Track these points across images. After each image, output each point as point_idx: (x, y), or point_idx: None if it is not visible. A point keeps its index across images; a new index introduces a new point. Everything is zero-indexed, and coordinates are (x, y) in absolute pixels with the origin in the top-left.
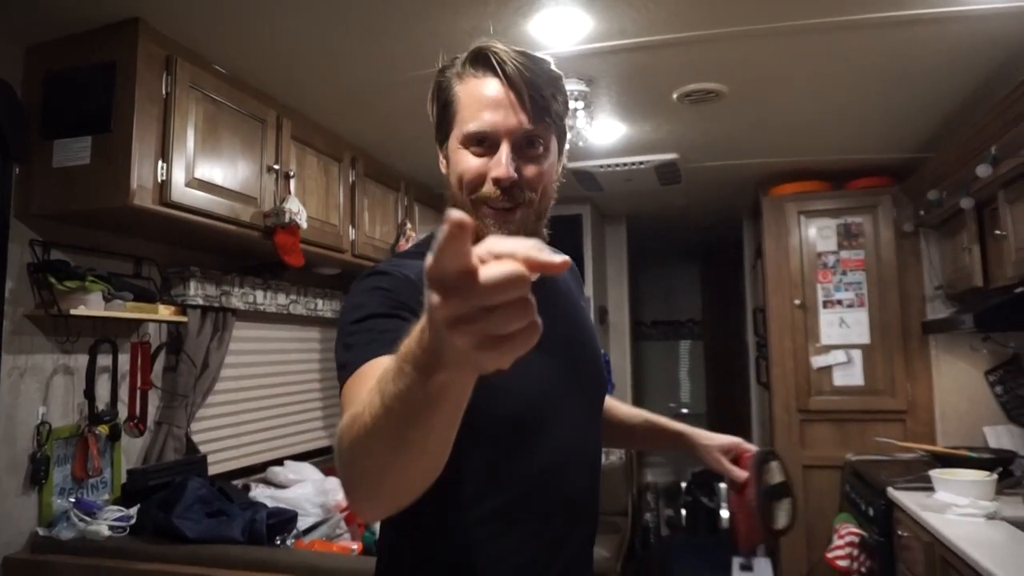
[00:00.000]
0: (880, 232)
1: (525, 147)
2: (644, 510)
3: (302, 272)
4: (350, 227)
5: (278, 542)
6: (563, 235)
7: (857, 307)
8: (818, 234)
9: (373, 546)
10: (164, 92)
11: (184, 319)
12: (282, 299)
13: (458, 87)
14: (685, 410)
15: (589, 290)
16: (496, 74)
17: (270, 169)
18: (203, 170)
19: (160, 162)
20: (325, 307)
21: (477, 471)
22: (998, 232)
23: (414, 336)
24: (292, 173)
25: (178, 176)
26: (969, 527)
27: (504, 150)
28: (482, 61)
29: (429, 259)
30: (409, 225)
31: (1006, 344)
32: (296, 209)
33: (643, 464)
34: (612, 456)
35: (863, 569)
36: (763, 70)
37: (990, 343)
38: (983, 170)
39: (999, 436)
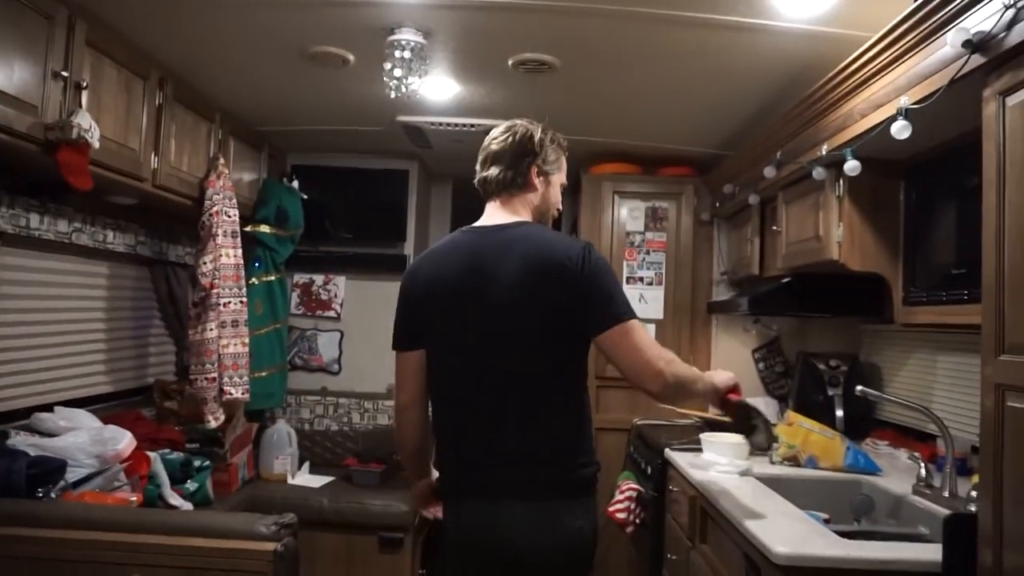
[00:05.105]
0: (682, 218)
1: None
2: None
3: (91, 199)
4: (153, 154)
5: (40, 494)
6: (389, 189)
7: (656, 285)
8: (629, 214)
9: (156, 500)
10: None
11: None
12: (63, 226)
13: (562, 154)
14: None
15: (410, 248)
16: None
17: (57, 75)
18: None
19: None
20: (117, 240)
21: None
22: (775, 228)
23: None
24: (85, 84)
25: None
26: (725, 482)
27: None
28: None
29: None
30: (222, 160)
31: (770, 327)
32: (87, 125)
33: None
34: None
35: (638, 520)
36: (594, 49)
37: (759, 325)
38: (769, 171)
39: (757, 406)
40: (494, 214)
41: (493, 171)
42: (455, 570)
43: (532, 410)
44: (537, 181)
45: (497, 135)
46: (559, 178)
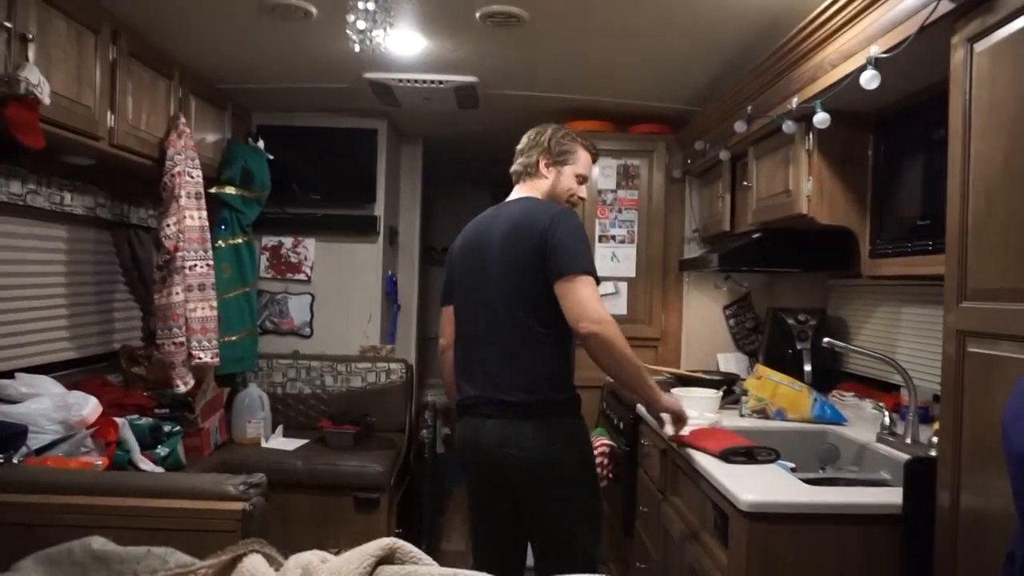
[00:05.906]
0: (654, 176)
1: None
2: (421, 427)
3: (46, 159)
4: (108, 112)
5: (1, 460)
6: (357, 149)
7: (628, 243)
8: (600, 172)
9: (126, 465)
10: None
11: None
12: (16, 187)
13: (578, 148)
14: None
15: (380, 210)
16: (589, 152)
17: (0, 27)
18: None
19: None
20: (75, 202)
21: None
22: (745, 183)
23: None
24: (31, 36)
25: None
26: None
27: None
28: (590, 148)
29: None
30: (183, 119)
31: (741, 284)
32: (36, 80)
33: (424, 384)
34: (393, 376)
35: (610, 475)
36: (564, 1)
37: (730, 282)
38: (739, 126)
39: (727, 361)
40: (512, 194)
41: (515, 163)
42: (465, 474)
43: (511, 346)
44: (547, 171)
45: (524, 135)
46: (572, 169)
